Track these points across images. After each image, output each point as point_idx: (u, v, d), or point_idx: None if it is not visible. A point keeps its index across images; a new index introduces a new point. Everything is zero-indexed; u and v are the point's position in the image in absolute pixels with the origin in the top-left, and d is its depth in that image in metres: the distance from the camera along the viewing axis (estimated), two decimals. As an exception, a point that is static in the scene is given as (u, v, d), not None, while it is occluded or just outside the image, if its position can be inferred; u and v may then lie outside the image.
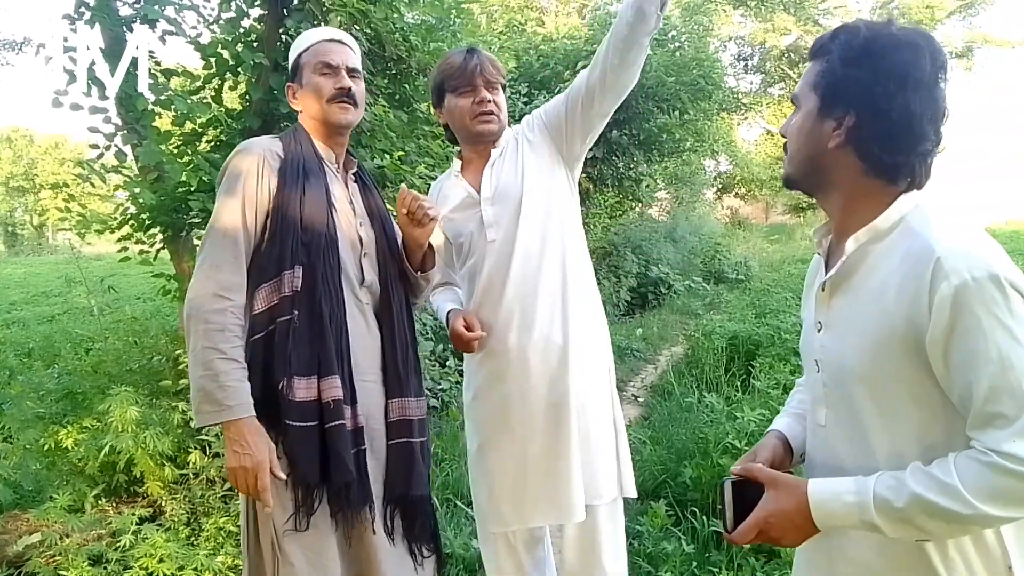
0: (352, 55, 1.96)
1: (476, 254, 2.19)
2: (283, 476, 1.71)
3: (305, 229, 1.77)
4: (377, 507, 1.84)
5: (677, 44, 10.94)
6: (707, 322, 7.25)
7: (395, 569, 1.85)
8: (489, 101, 2.14)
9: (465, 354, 2.24)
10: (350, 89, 1.89)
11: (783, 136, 1.29)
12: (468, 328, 2.09)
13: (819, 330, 1.26)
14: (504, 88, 2.23)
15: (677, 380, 5.28)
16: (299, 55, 1.94)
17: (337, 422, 1.73)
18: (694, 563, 2.83)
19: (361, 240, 1.92)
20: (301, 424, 1.71)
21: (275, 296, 1.75)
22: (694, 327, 7.51)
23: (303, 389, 1.72)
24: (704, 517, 3.05)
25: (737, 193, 25.74)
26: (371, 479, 1.82)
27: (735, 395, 4.68)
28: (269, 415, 1.72)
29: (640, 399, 5.65)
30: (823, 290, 1.25)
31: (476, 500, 2.26)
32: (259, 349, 1.75)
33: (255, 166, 1.79)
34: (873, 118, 1.13)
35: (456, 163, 2.30)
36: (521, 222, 2.11)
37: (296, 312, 1.74)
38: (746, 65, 28.39)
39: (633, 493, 2.21)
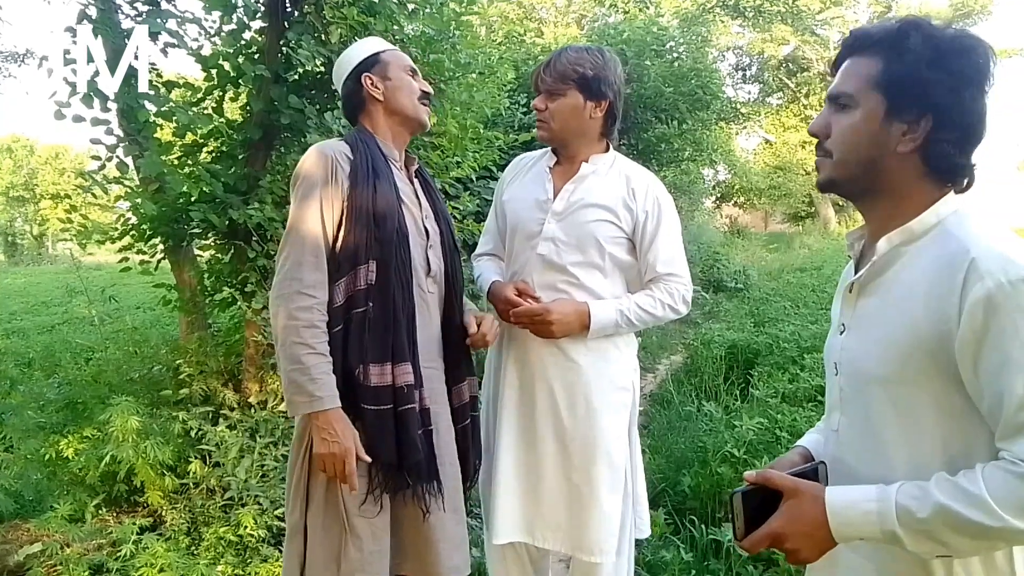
0: None
1: (522, 257, 2.18)
2: (368, 459, 1.81)
3: (378, 225, 1.85)
4: (448, 487, 1.94)
5: (675, 55, 11.00)
6: (706, 331, 7.27)
7: (452, 549, 1.93)
8: (542, 110, 2.11)
9: (491, 348, 2.25)
10: (430, 93, 2.05)
11: (815, 136, 1.21)
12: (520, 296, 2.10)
13: (842, 332, 1.22)
14: (573, 91, 2.07)
15: (676, 389, 5.28)
16: (379, 52, 2.02)
17: (409, 405, 1.84)
18: (693, 571, 2.84)
19: (427, 232, 2.00)
20: (376, 407, 1.83)
21: (351, 289, 1.85)
22: (693, 336, 7.50)
23: (377, 375, 1.82)
24: (703, 525, 3.05)
25: (736, 202, 25.78)
26: (442, 461, 1.93)
27: (734, 404, 4.69)
28: (347, 400, 1.83)
29: (639, 407, 5.64)
30: (850, 291, 1.21)
31: (483, 504, 2.26)
32: (338, 340, 1.85)
33: (328, 168, 1.87)
34: (954, 120, 1.08)
35: (551, 155, 2.25)
36: (575, 258, 2.10)
37: (371, 304, 1.84)
38: (744, 75, 28.50)
39: (644, 533, 2.24)
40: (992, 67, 1.09)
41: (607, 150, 2.21)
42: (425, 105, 2.02)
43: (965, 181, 1.13)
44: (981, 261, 1.00)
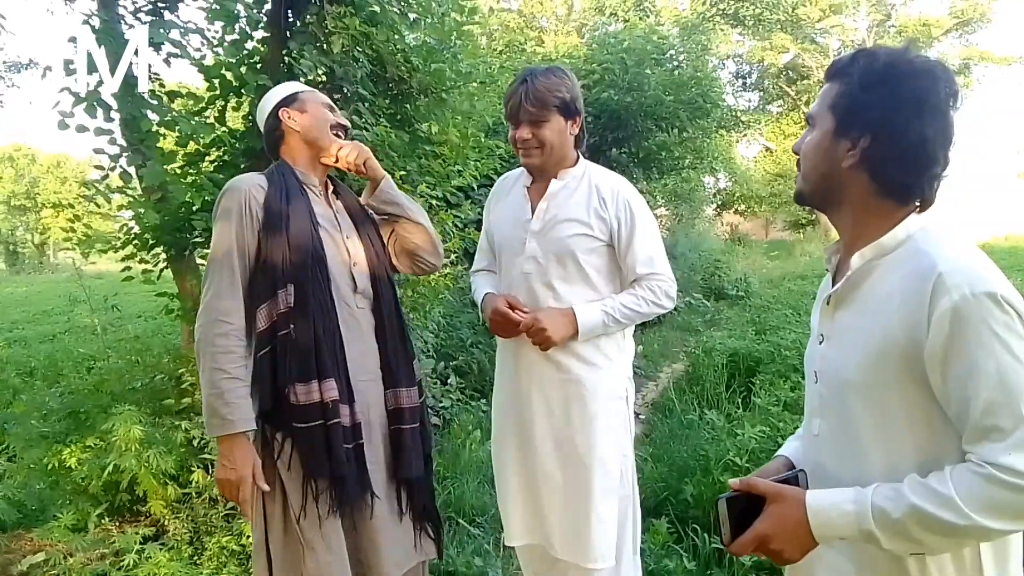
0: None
1: (510, 275, 2.23)
2: (266, 487, 1.92)
3: (293, 250, 1.95)
4: (382, 491, 2.04)
5: (676, 63, 11.02)
6: (707, 339, 7.24)
7: (393, 547, 2.04)
8: (526, 139, 2.13)
9: (498, 360, 2.32)
10: (347, 127, 2.18)
11: (796, 153, 1.31)
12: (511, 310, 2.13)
13: (821, 342, 1.30)
14: (556, 116, 2.12)
15: (678, 397, 5.27)
16: (298, 92, 2.15)
17: (334, 420, 1.92)
18: (696, 580, 2.83)
19: (349, 252, 2.08)
20: (305, 425, 1.92)
21: (273, 314, 1.95)
22: (694, 344, 7.49)
23: (304, 394, 1.91)
24: (705, 534, 3.05)
25: (737, 210, 25.82)
26: (374, 468, 2.02)
27: (736, 412, 4.66)
28: (279, 419, 1.94)
29: (641, 416, 5.63)
30: (828, 303, 1.28)
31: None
32: (266, 362, 1.95)
33: (242, 200, 1.97)
34: (888, 141, 1.16)
35: (527, 174, 2.28)
36: (558, 273, 2.14)
37: (292, 326, 1.93)
38: (744, 83, 28.61)
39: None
40: (943, 92, 1.15)
41: (577, 161, 2.24)
42: (340, 137, 2.13)
43: (916, 201, 1.20)
44: (948, 275, 1.07)
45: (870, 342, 1.16)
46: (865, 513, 1.10)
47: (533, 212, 2.20)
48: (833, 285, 1.28)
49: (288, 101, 2.11)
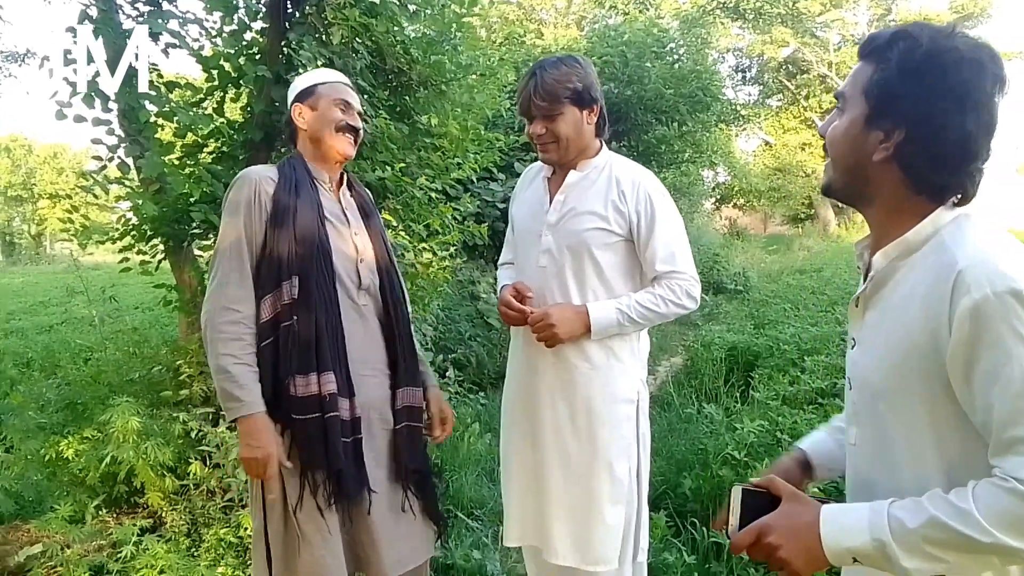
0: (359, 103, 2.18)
1: (527, 269, 2.19)
2: (289, 464, 1.93)
3: (299, 242, 1.95)
4: (383, 487, 2.04)
5: (676, 56, 11.01)
6: (706, 333, 7.26)
7: (393, 544, 2.03)
8: (541, 135, 2.08)
9: (509, 357, 2.30)
10: (357, 127, 2.12)
11: (822, 137, 1.21)
12: (518, 298, 2.11)
13: (853, 346, 1.22)
14: (569, 108, 2.05)
15: (676, 391, 5.27)
16: (317, 84, 2.10)
17: (332, 413, 1.93)
18: (695, 574, 2.83)
19: (357, 247, 2.08)
20: (304, 416, 1.93)
21: (277, 305, 1.95)
22: (693, 338, 7.50)
23: (303, 386, 1.92)
24: (704, 528, 3.04)
25: (736, 204, 25.77)
26: (372, 464, 2.03)
27: (734, 406, 4.67)
28: (279, 411, 1.95)
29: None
30: (856, 306, 1.20)
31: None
32: (268, 353, 1.95)
33: (251, 191, 1.98)
34: (925, 136, 1.06)
35: (548, 166, 2.23)
36: (573, 268, 2.09)
37: (295, 317, 1.93)
38: (744, 77, 28.55)
39: (640, 556, 2.19)
40: (989, 83, 1.05)
41: (599, 151, 2.18)
42: (347, 136, 2.09)
43: (954, 198, 1.10)
44: (968, 273, 0.99)
45: (893, 344, 1.08)
46: (880, 521, 1.02)
47: (551, 204, 2.15)
48: (863, 285, 1.20)
49: (305, 95, 2.09)
